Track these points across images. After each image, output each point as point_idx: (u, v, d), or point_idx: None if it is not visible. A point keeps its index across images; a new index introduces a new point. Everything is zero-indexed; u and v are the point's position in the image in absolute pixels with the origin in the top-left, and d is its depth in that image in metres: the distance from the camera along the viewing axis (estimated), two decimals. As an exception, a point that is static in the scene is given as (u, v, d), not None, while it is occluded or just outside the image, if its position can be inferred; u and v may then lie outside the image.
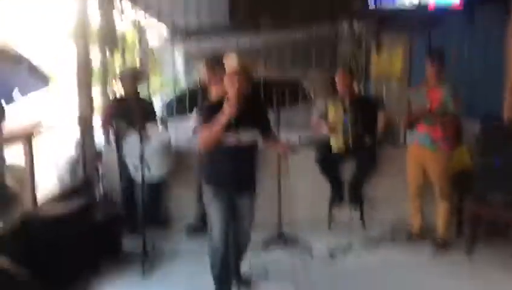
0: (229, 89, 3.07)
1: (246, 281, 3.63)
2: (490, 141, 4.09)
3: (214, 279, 3.28)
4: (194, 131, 4.59)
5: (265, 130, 3.29)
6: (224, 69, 4.50)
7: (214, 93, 4.44)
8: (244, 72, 3.07)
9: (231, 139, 3.09)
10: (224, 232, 3.19)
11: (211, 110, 3.13)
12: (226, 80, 3.09)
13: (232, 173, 3.18)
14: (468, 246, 4.22)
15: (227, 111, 2.97)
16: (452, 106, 4.17)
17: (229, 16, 4.99)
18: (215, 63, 4.45)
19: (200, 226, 4.59)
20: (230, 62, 3.08)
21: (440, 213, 4.41)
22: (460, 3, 4.67)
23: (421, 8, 4.80)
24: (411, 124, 4.32)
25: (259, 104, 3.38)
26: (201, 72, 4.59)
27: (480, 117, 4.97)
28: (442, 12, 4.86)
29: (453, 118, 4.26)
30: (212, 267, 3.28)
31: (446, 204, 4.37)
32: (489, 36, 5.01)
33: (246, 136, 3.13)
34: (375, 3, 4.83)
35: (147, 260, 3.99)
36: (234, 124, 3.03)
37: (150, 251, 4.13)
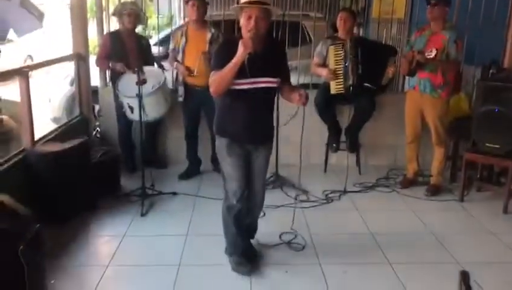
0: (244, 27, 2.70)
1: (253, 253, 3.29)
2: (490, 89, 4.06)
3: (226, 237, 3.17)
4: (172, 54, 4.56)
5: (283, 76, 2.92)
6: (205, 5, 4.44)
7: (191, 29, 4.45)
8: (262, 10, 2.66)
9: (246, 85, 2.76)
10: (241, 190, 2.96)
11: (223, 50, 2.82)
12: (242, 18, 2.71)
13: (248, 123, 2.84)
14: (461, 192, 4.30)
15: (241, 52, 2.64)
16: (454, 52, 4.11)
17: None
18: None
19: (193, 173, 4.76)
20: None
21: (435, 158, 4.47)
22: None
23: None
24: (412, 71, 4.26)
25: (276, 47, 3.02)
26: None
27: (481, 64, 4.93)
28: None
29: (454, 64, 4.22)
30: (226, 225, 3.12)
31: (441, 150, 4.42)
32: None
33: (262, 82, 2.79)
34: None
35: (146, 199, 4.05)
36: (249, 68, 2.70)
37: (149, 191, 4.18)
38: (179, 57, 4.48)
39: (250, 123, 2.85)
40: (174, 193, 4.33)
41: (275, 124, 3.51)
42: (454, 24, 4.21)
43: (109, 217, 3.88)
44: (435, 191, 4.43)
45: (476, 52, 5.04)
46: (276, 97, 3.05)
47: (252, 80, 2.75)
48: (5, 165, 3.43)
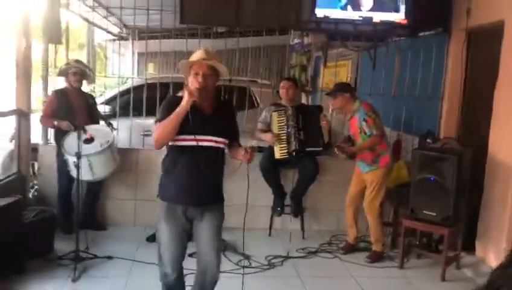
0: (191, 83, 2.66)
1: None
2: (426, 158, 4.24)
3: None
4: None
5: (232, 136, 2.84)
6: None
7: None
8: (209, 67, 2.66)
9: (189, 141, 2.67)
10: (174, 259, 2.80)
11: (169, 104, 2.72)
12: (190, 75, 2.68)
13: (189, 182, 2.70)
14: (401, 259, 4.34)
15: (186, 99, 2.57)
16: (367, 129, 4.30)
17: (180, 20, 4.90)
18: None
19: None
20: (197, 55, 2.71)
21: (369, 225, 4.53)
22: (406, 19, 4.85)
23: (367, 21, 4.93)
24: (350, 156, 4.53)
25: (225, 108, 2.94)
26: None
27: (418, 134, 5.18)
28: (387, 26, 5.03)
29: (372, 140, 4.32)
30: None
31: (370, 217, 4.47)
32: (431, 54, 5.23)
33: (207, 140, 2.70)
34: (323, 14, 4.91)
35: (79, 263, 3.84)
36: (193, 124, 2.60)
37: (83, 254, 3.98)
38: None
39: (191, 182, 2.71)
40: (110, 257, 4.13)
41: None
42: (361, 103, 4.43)
43: (37, 282, 3.64)
44: (375, 257, 4.46)
45: (414, 122, 5.31)
46: (223, 158, 2.87)
47: (197, 137, 2.65)
48: None
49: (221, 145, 2.77)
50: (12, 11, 4.66)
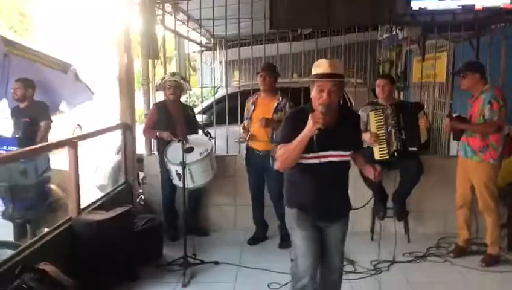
0: (315, 100, 2.55)
1: None
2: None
3: None
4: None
5: (355, 148, 2.76)
6: (275, 76, 4.52)
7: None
8: (335, 83, 2.51)
9: (313, 159, 2.59)
10: (312, 265, 2.69)
11: (290, 122, 2.67)
12: (313, 90, 2.56)
13: (317, 199, 2.66)
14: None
15: (310, 127, 2.46)
16: (488, 113, 3.96)
17: (270, 25, 4.92)
18: (268, 69, 4.50)
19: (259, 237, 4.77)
20: (321, 69, 2.54)
21: (486, 227, 4.22)
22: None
23: (468, 9, 4.61)
24: (455, 136, 4.23)
25: (350, 118, 2.77)
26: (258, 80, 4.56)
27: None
28: (491, 13, 4.67)
29: (489, 125, 3.99)
30: None
31: (489, 218, 4.16)
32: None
33: (332, 156, 2.62)
34: (418, 6, 4.68)
35: (188, 269, 3.97)
36: (317, 143, 2.49)
37: (191, 260, 4.11)
38: (247, 123, 4.62)
39: (319, 199, 2.66)
40: (216, 262, 4.24)
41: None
42: (492, 86, 4.08)
43: (150, 288, 3.81)
44: (490, 261, 4.15)
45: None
46: (348, 169, 2.79)
47: (320, 154, 2.57)
48: (52, 234, 3.46)
49: (347, 158, 2.70)
50: (114, 27, 4.92)
